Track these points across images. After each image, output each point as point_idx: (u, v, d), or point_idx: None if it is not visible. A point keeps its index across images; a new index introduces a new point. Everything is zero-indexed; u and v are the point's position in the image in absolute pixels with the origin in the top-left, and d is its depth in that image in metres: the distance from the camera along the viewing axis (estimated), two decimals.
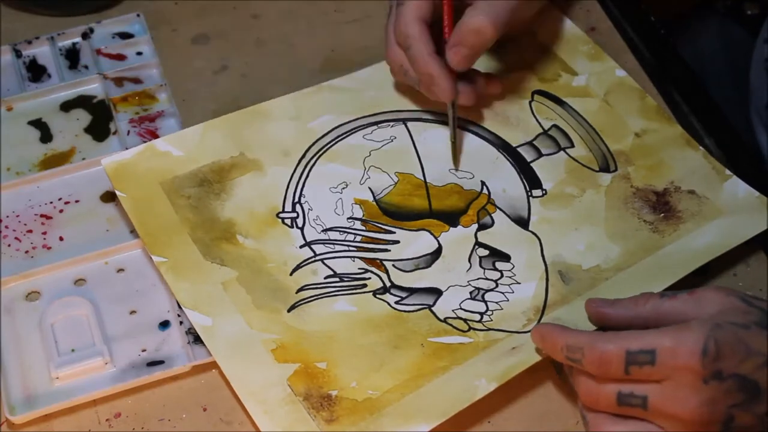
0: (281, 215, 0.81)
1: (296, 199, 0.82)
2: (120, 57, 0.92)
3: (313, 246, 0.80)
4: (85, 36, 0.92)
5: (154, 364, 0.75)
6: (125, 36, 0.93)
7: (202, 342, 0.74)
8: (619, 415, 0.67)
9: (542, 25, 0.92)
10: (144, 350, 0.76)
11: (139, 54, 0.92)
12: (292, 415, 0.71)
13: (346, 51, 0.94)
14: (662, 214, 0.81)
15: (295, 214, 0.81)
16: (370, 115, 0.87)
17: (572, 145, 0.86)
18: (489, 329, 0.76)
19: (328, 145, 0.85)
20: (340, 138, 0.85)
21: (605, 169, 0.84)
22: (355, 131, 0.86)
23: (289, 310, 0.76)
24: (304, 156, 0.84)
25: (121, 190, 0.79)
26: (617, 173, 0.84)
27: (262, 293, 0.76)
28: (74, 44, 0.92)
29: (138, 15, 0.93)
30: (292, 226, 0.80)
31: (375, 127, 0.86)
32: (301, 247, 0.79)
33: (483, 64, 0.89)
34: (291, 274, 0.78)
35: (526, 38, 0.91)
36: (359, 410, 0.71)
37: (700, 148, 0.84)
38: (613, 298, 0.71)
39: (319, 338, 0.75)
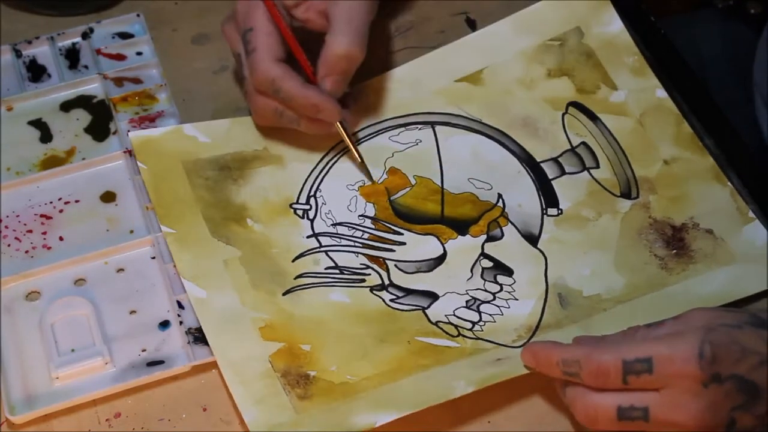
0: (294, 206, 0.82)
1: (312, 193, 0.83)
2: (120, 57, 0.92)
3: (319, 237, 0.81)
4: (85, 36, 0.92)
5: (154, 364, 0.75)
6: (125, 36, 0.93)
7: (202, 342, 0.75)
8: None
9: (591, 24, 0.90)
10: (144, 350, 0.76)
11: (139, 54, 0.92)
12: (267, 389, 0.72)
13: None
14: (674, 251, 0.79)
15: (308, 206, 0.82)
16: (400, 116, 0.87)
17: (597, 166, 0.84)
18: (478, 338, 0.76)
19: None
20: (365, 138, 0.86)
21: (627, 194, 0.83)
22: (382, 132, 0.86)
23: (284, 294, 0.77)
24: (327, 154, 0.85)
25: (142, 161, 0.82)
26: (638, 201, 0.82)
27: (261, 275, 0.78)
28: (74, 44, 0.92)
29: (138, 15, 0.93)
30: (303, 217, 0.82)
31: (403, 129, 0.87)
32: (308, 237, 0.81)
33: (523, 66, 0.89)
34: (293, 261, 0.79)
35: (573, 38, 0.90)
36: (334, 392, 0.72)
37: (729, 184, 0.82)
38: (607, 330, 0.71)
39: (308, 322, 0.76)
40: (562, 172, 0.85)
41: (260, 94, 0.81)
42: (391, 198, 0.83)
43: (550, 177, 0.84)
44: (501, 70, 0.89)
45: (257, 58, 0.79)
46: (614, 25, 0.90)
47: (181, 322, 0.76)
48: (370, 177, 0.84)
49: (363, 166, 0.84)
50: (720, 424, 0.64)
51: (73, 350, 0.75)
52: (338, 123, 0.82)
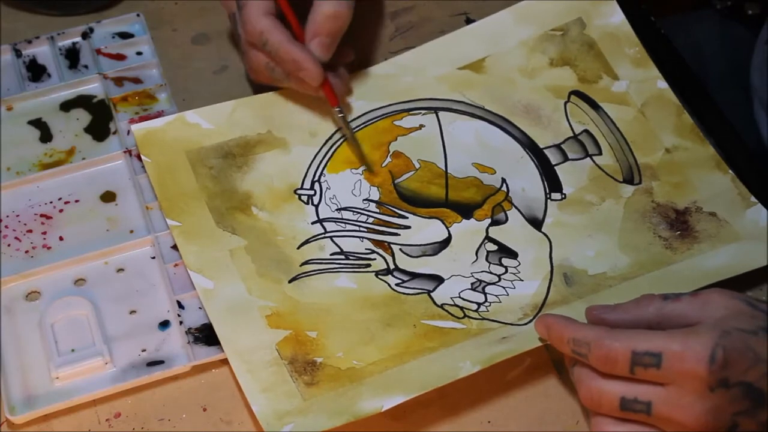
0: (298, 191, 0.83)
1: (316, 178, 0.83)
2: (120, 57, 0.92)
3: (324, 223, 0.81)
4: (85, 36, 0.92)
5: (154, 364, 0.75)
6: (125, 36, 0.93)
7: (202, 342, 0.75)
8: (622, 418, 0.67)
9: (592, 16, 0.91)
10: (144, 350, 0.76)
11: (139, 54, 0.92)
12: (274, 377, 0.72)
13: None
14: (678, 232, 0.80)
15: (312, 192, 0.83)
16: (403, 102, 0.88)
17: (600, 153, 0.85)
18: (484, 319, 0.76)
19: (356, 129, 0.86)
20: (369, 122, 0.86)
21: (629, 180, 0.83)
22: (386, 117, 0.87)
23: (290, 281, 0.78)
24: (330, 137, 0.85)
25: (146, 155, 0.82)
26: (640, 186, 0.83)
27: (267, 263, 0.78)
28: (74, 44, 0.92)
29: (138, 15, 0.93)
30: (307, 203, 0.82)
31: (406, 114, 0.87)
32: (312, 223, 0.81)
33: (525, 55, 0.89)
34: (298, 248, 0.80)
35: (575, 29, 0.90)
36: (340, 377, 0.73)
37: (729, 171, 0.83)
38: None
39: (314, 309, 0.76)
40: (565, 158, 0.85)
41: (252, 47, 0.82)
42: (396, 181, 0.83)
43: (553, 163, 0.85)
44: (503, 59, 0.90)
45: (247, 11, 0.81)
46: (616, 17, 0.91)
47: (181, 322, 0.76)
48: (366, 162, 0.84)
49: (358, 151, 0.84)
50: (722, 427, 0.64)
51: (73, 350, 0.75)
52: (335, 109, 0.83)
